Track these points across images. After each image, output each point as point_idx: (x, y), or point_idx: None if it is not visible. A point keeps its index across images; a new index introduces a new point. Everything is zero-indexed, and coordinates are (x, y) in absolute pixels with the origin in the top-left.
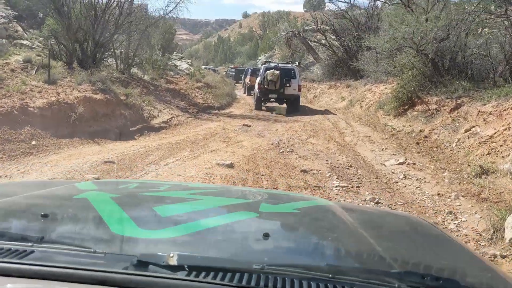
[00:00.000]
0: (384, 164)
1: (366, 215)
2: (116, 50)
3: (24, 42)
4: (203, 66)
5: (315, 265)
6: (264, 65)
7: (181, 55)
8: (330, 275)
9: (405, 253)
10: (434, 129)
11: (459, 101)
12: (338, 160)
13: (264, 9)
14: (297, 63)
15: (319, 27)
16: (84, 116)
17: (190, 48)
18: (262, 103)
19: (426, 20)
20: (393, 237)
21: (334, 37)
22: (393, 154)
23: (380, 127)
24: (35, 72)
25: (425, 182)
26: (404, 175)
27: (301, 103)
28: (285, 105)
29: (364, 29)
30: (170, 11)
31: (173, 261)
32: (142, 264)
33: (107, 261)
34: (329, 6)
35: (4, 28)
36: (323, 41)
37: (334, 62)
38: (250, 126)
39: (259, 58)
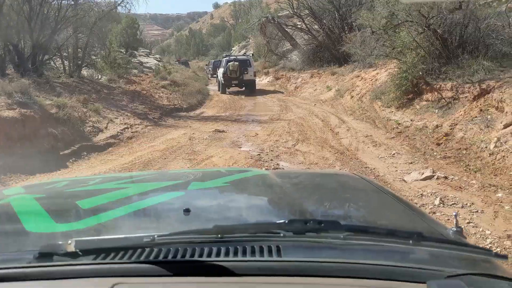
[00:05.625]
0: (404, 180)
1: (300, 178)
2: (65, 50)
3: None
4: (175, 60)
5: (203, 229)
6: (224, 58)
7: (148, 50)
8: (219, 236)
9: (319, 206)
10: (456, 124)
11: (483, 86)
12: None
13: None
14: (251, 54)
15: (295, 11)
16: None
17: (162, 43)
18: (226, 88)
19: None
20: (317, 193)
21: (313, 20)
22: (411, 163)
23: (381, 122)
24: None
25: (476, 211)
26: (439, 199)
27: (282, 95)
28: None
29: (346, 8)
30: (122, 1)
31: (71, 248)
32: (44, 255)
33: (12, 258)
34: None
35: None
36: (300, 25)
37: (314, 47)
38: (223, 131)
39: (233, 48)
